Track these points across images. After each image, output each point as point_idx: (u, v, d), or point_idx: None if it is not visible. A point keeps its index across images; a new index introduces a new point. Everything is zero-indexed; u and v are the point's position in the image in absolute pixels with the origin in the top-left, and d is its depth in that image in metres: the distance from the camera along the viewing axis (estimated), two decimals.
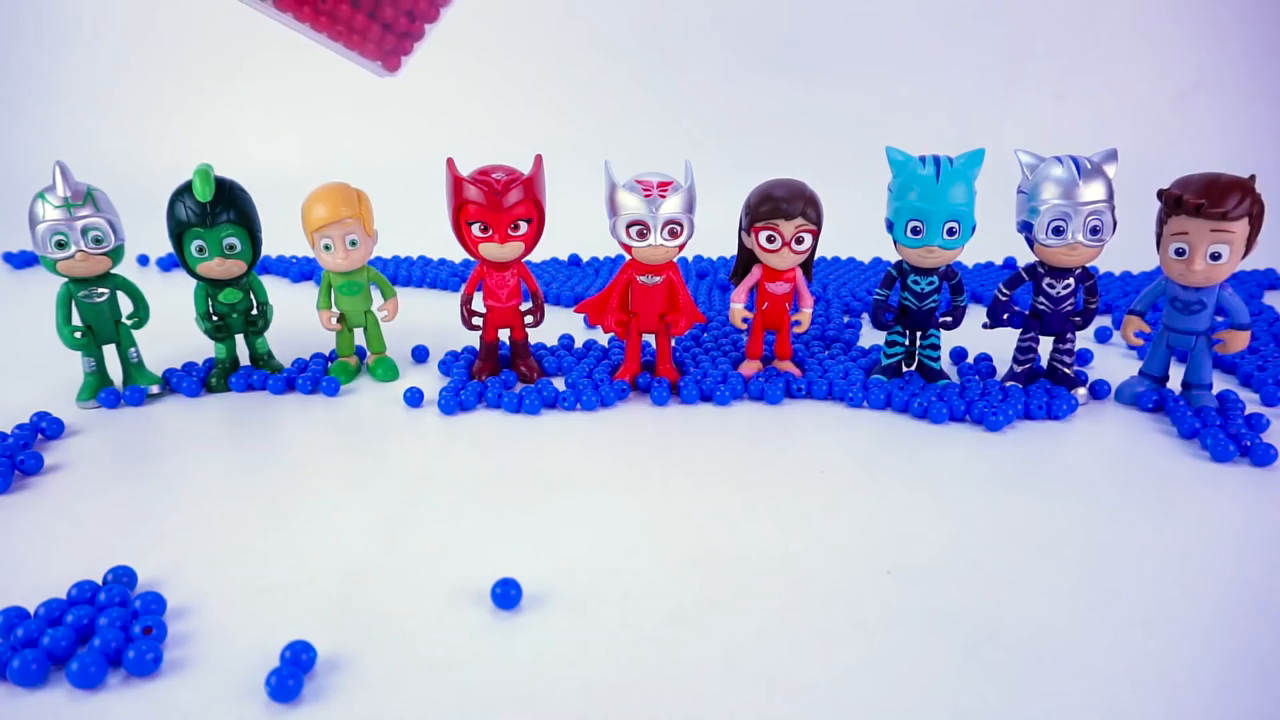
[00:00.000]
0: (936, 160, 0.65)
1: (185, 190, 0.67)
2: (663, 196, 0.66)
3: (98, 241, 0.65)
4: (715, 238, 0.98)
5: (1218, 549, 0.51)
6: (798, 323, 0.74)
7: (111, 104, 1.54)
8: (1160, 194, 0.64)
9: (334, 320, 0.74)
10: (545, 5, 1.49)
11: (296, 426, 0.67)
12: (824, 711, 0.38)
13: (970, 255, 0.95)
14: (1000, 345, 0.82)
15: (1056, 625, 0.44)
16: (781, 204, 0.68)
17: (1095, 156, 0.65)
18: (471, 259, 0.72)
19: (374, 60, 0.66)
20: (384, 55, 0.66)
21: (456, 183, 0.68)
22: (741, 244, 0.74)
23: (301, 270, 1.11)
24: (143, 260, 1.16)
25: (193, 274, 0.70)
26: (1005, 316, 0.71)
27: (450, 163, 0.69)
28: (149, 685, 0.40)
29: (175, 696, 0.39)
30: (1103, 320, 0.92)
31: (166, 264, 1.15)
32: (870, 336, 0.88)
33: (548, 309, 0.88)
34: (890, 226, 0.68)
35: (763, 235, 0.69)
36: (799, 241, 0.69)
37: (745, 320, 0.74)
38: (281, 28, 0.61)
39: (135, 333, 0.71)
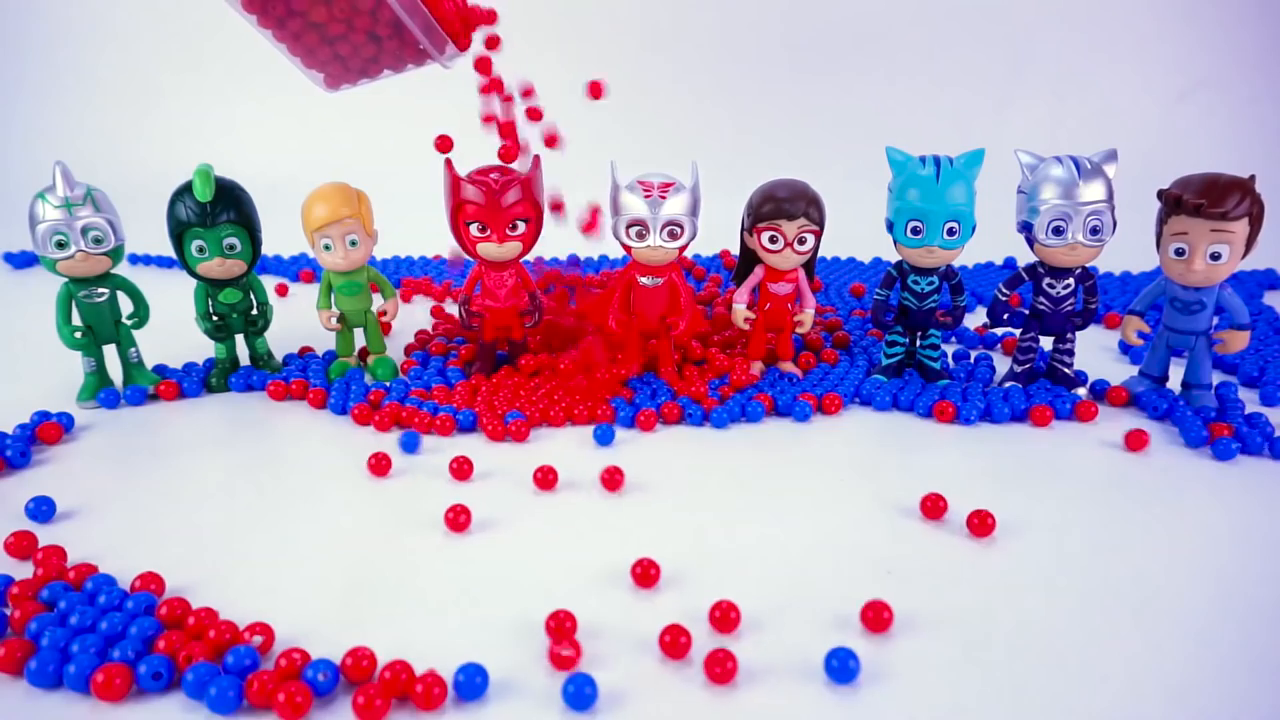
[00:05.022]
0: (936, 160, 0.65)
1: (185, 190, 0.68)
2: (663, 198, 0.66)
3: (98, 241, 0.65)
4: (716, 238, 0.98)
5: (1219, 548, 0.51)
6: (800, 323, 0.74)
7: (111, 104, 1.54)
8: (1160, 194, 0.64)
9: (334, 320, 0.74)
10: (546, 5, 1.49)
11: (296, 426, 0.67)
12: (824, 711, 0.38)
13: (970, 255, 0.95)
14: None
15: (1056, 625, 0.44)
16: (784, 204, 0.68)
17: (1095, 156, 0.65)
18: (470, 259, 0.72)
19: (314, 72, 0.68)
20: (326, 74, 0.68)
21: (455, 183, 0.68)
22: (744, 244, 0.74)
23: (300, 271, 1.11)
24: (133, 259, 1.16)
25: (193, 274, 0.70)
26: (1005, 316, 0.71)
27: (449, 163, 0.69)
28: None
29: (175, 694, 0.39)
30: None
31: (133, 259, 1.15)
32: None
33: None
34: (890, 226, 0.68)
35: (765, 235, 0.69)
36: (801, 242, 0.69)
37: (747, 320, 0.74)
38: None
39: (135, 332, 0.71)
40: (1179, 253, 0.64)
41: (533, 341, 0.75)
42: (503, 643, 0.42)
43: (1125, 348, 0.82)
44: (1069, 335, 0.71)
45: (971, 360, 0.78)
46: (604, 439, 0.63)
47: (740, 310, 0.73)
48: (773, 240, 0.69)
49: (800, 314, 0.74)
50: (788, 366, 0.75)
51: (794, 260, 0.70)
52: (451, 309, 0.95)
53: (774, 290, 0.73)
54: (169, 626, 0.42)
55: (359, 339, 0.77)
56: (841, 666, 0.39)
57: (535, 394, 0.69)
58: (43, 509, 0.53)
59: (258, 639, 0.41)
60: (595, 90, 0.69)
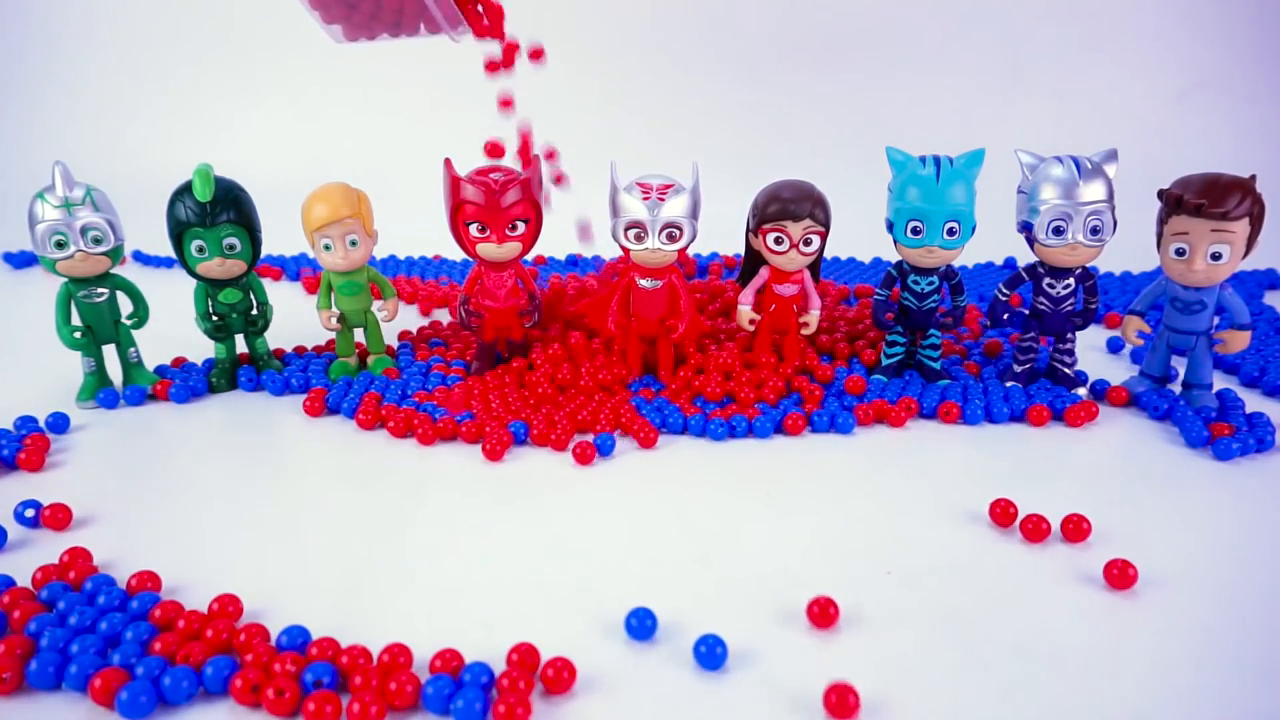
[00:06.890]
0: (936, 160, 0.65)
1: (185, 190, 0.67)
2: (662, 199, 0.66)
3: (97, 241, 0.65)
4: (718, 239, 0.98)
5: (1220, 547, 0.51)
6: (805, 324, 0.74)
7: (111, 104, 1.54)
8: (1160, 194, 0.64)
9: (334, 320, 0.74)
10: (548, 4, 1.49)
11: (296, 425, 0.67)
12: (824, 712, 0.38)
13: (970, 255, 0.95)
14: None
15: (1057, 625, 0.44)
16: (789, 205, 0.68)
17: (1095, 156, 0.65)
18: (470, 259, 0.72)
19: (333, 26, 0.69)
20: (345, 26, 0.69)
21: (454, 183, 0.68)
22: (749, 245, 0.74)
23: (296, 271, 1.11)
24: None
25: (193, 274, 0.70)
26: (1005, 316, 0.71)
27: (448, 163, 0.69)
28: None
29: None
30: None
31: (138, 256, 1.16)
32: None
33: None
34: (890, 226, 0.68)
35: (770, 237, 0.69)
36: (807, 243, 0.69)
37: (752, 322, 0.74)
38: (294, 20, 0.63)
39: (134, 332, 0.71)
40: (1179, 253, 0.64)
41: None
42: (504, 642, 0.42)
43: (1117, 346, 0.82)
44: (1069, 335, 0.71)
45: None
46: (605, 449, 0.62)
47: (745, 312, 0.73)
48: (778, 241, 0.69)
49: (805, 315, 0.74)
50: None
51: (799, 261, 0.70)
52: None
53: (779, 292, 0.73)
54: (163, 629, 0.42)
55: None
56: (709, 653, 0.40)
57: (537, 395, 0.69)
58: (27, 515, 0.53)
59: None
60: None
